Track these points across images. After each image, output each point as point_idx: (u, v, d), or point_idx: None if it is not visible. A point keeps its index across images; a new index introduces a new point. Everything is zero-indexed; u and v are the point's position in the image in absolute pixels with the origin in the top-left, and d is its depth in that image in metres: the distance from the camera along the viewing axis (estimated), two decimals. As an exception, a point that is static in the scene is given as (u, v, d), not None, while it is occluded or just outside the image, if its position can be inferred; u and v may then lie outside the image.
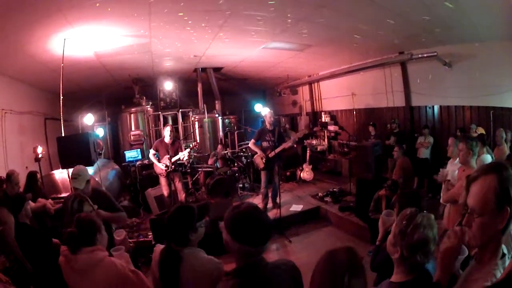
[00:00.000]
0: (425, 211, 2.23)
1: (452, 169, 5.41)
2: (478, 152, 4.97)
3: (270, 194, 9.45)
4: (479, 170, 1.80)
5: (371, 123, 12.07)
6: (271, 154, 8.80)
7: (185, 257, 2.62)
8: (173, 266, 2.60)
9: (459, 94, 9.67)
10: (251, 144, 9.29)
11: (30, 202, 5.86)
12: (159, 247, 2.85)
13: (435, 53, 9.18)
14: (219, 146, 11.94)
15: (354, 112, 13.48)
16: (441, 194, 5.27)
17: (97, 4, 5.58)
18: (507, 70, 8.32)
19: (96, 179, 8.26)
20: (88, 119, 11.02)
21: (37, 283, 4.18)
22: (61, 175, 8.02)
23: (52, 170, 9.21)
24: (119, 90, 14.05)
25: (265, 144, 8.99)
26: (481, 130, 8.41)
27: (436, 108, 10.76)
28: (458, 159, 5.07)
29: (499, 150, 7.18)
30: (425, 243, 2.06)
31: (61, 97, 7.57)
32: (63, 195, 6.70)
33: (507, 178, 1.64)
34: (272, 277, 2.11)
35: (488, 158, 5.63)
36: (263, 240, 2.10)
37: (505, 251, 1.74)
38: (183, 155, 8.75)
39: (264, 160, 8.87)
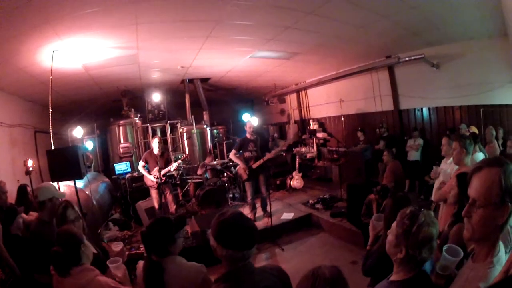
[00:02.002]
0: (423, 209, 2.25)
1: (446, 168, 5.44)
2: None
3: (258, 205, 9.42)
4: (482, 162, 1.81)
5: (359, 128, 12.16)
6: (255, 165, 8.80)
7: (167, 266, 2.67)
8: (156, 277, 2.64)
9: (448, 95, 9.76)
10: (231, 155, 9.20)
11: (23, 215, 5.83)
12: (141, 262, 2.89)
13: (422, 55, 9.29)
14: (208, 158, 11.94)
15: (343, 118, 13.48)
16: (433, 193, 5.29)
17: (86, 11, 5.56)
18: (495, 67, 8.42)
19: (87, 192, 8.21)
20: (78, 132, 11.01)
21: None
22: (52, 188, 7.95)
23: (42, 183, 9.08)
24: (108, 102, 14.06)
25: (247, 154, 8.97)
26: (474, 129, 8.42)
27: (425, 110, 10.84)
28: (451, 158, 5.10)
29: (490, 148, 7.25)
30: (430, 240, 2.11)
31: (50, 110, 7.52)
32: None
33: (511, 173, 1.65)
34: (260, 280, 2.18)
35: (481, 156, 5.65)
36: (248, 244, 2.16)
37: (502, 248, 1.74)
38: (173, 167, 8.75)
39: (247, 171, 8.86)
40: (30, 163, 8.35)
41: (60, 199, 4.39)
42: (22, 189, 6.63)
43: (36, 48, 6.82)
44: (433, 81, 10.06)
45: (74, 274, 2.80)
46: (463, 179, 2.63)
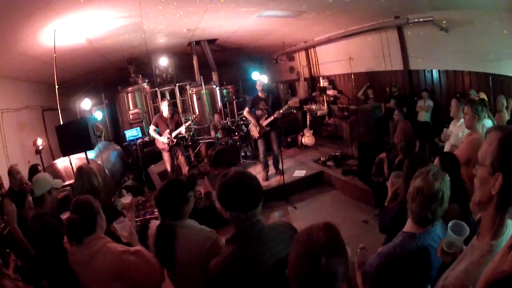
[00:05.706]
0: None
1: (455, 130, 5.39)
2: (482, 116, 4.94)
3: (270, 162, 9.50)
4: (495, 126, 1.94)
5: (368, 84, 12.18)
6: (264, 123, 8.85)
7: (179, 231, 2.71)
8: (167, 241, 2.69)
9: (457, 59, 9.49)
10: (245, 112, 9.32)
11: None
12: (155, 223, 2.93)
13: (431, 18, 9.00)
14: (216, 116, 11.99)
15: (352, 76, 13.34)
16: None
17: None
18: (504, 40, 8.09)
19: (98, 162, 8.30)
20: (86, 104, 10.97)
21: (49, 278, 4.17)
22: (63, 163, 7.97)
23: (54, 160, 9.14)
24: (114, 72, 14.00)
25: (259, 112, 9.04)
26: (483, 95, 8.26)
27: (435, 72, 10.58)
28: (461, 120, 5.05)
29: (500, 116, 7.13)
30: (438, 197, 2.27)
31: (56, 87, 7.55)
32: (67, 182, 6.70)
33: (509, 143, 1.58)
34: (270, 238, 2.19)
35: (489, 123, 5.59)
36: (252, 205, 2.14)
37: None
38: (183, 128, 8.80)
39: (258, 129, 8.92)
40: (39, 142, 8.40)
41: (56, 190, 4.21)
42: (33, 169, 6.70)
43: (37, 31, 6.78)
44: (443, 44, 9.74)
45: (86, 243, 2.84)
46: None
